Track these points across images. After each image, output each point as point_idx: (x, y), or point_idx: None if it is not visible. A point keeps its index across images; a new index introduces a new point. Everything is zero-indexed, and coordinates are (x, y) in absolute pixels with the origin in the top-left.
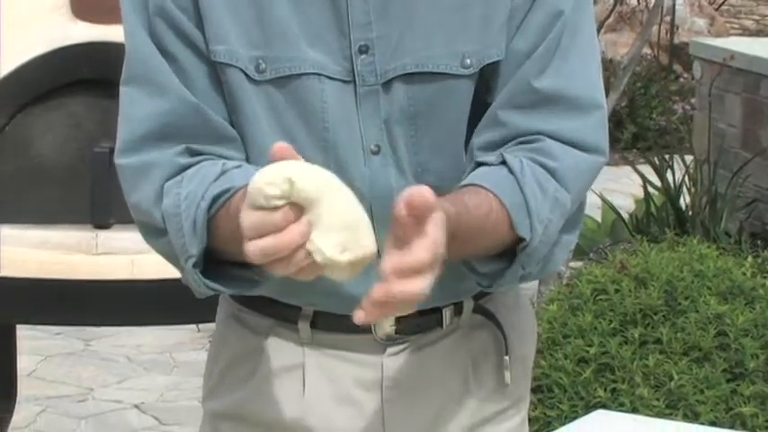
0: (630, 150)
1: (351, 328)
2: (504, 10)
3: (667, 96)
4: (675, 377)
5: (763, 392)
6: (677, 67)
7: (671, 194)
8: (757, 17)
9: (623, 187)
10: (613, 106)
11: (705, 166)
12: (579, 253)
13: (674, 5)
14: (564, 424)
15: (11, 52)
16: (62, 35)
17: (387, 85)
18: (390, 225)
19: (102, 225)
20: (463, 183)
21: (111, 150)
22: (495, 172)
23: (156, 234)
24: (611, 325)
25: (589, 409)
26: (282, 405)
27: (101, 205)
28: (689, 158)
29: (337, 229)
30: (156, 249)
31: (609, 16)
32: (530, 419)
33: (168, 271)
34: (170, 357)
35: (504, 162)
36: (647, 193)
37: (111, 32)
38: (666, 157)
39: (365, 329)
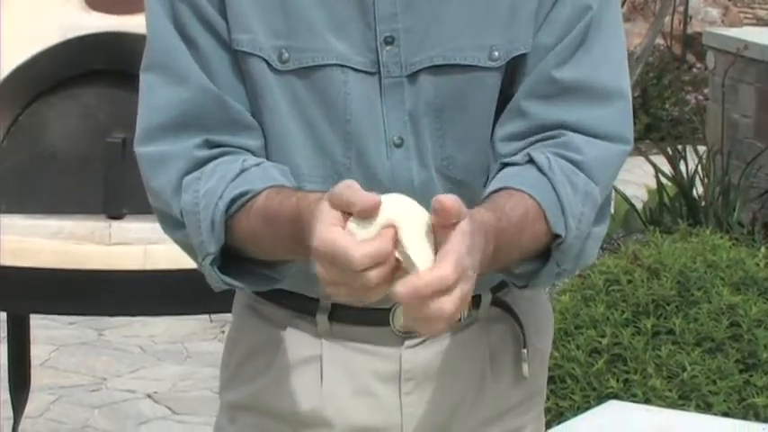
0: (643, 141)
1: (368, 320)
2: (532, 2)
3: (680, 87)
4: (688, 368)
5: None
6: (690, 58)
7: (684, 185)
8: None
9: (636, 178)
10: None
11: (718, 157)
12: None
13: None
14: (576, 414)
15: (24, 43)
16: (75, 25)
17: (412, 77)
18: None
19: (114, 215)
20: (494, 186)
21: (124, 141)
22: (524, 172)
23: (174, 225)
24: (624, 316)
25: (601, 399)
26: (300, 397)
27: (114, 195)
28: (702, 149)
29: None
30: (173, 240)
31: (622, 6)
32: None
33: (181, 261)
34: (183, 347)
35: (531, 161)
36: (659, 183)
37: (125, 23)
38: (679, 147)
39: (383, 322)
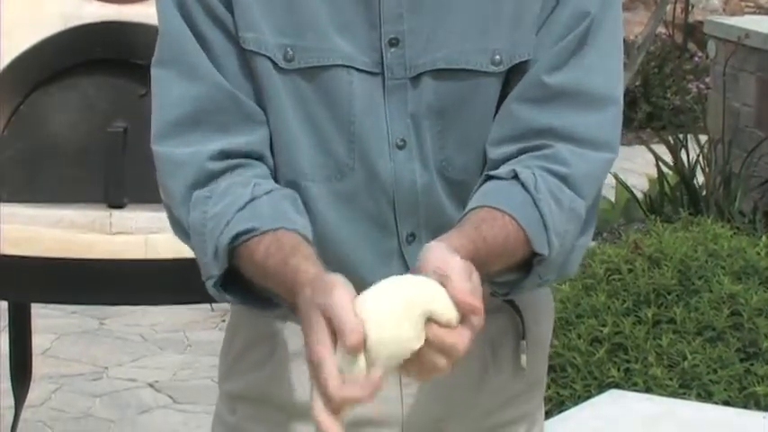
0: (644, 130)
1: None
2: (535, 8)
3: (682, 76)
4: (689, 357)
5: None
6: (692, 46)
7: (685, 174)
8: None
9: (637, 167)
10: (627, 86)
11: (719, 146)
12: (593, 233)
13: None
14: (577, 403)
15: (24, 31)
16: (76, 14)
17: (415, 79)
18: (410, 219)
19: (116, 204)
20: (477, 203)
21: (125, 130)
22: (508, 189)
23: (182, 232)
24: (625, 305)
25: (602, 388)
26: (299, 389)
27: (115, 184)
28: (703, 138)
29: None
30: (181, 240)
31: None
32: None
33: (182, 250)
34: (184, 336)
35: (516, 177)
36: (660, 172)
37: (125, 11)
38: (681, 136)
39: None
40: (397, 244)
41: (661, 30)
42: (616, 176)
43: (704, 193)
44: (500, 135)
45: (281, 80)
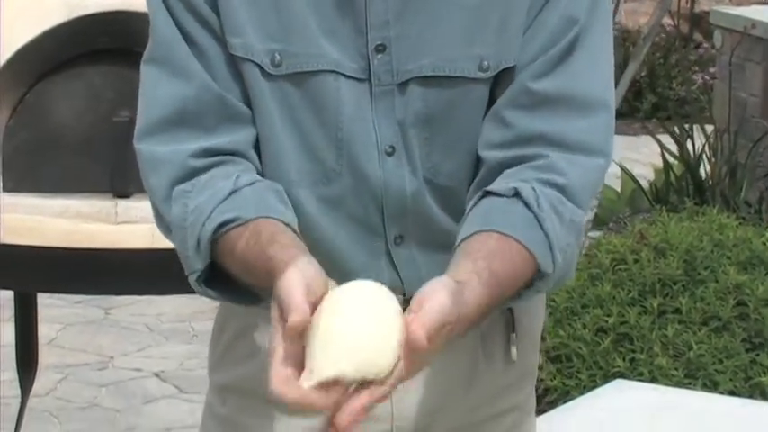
0: (650, 120)
1: None
2: (522, 14)
3: (687, 66)
4: (694, 347)
5: None
6: (697, 37)
7: (691, 164)
8: None
9: (643, 157)
10: (633, 76)
11: (725, 136)
12: (598, 223)
13: None
14: (583, 393)
15: (29, 22)
16: (80, 4)
17: (402, 86)
18: (398, 222)
19: (121, 194)
20: (481, 225)
21: (131, 120)
22: (511, 210)
23: (166, 229)
24: (630, 295)
25: (608, 378)
26: None
27: (120, 174)
28: (709, 128)
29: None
30: (166, 238)
31: None
32: (548, 389)
33: None
34: (189, 326)
35: (517, 194)
36: (666, 162)
37: (130, 1)
38: (686, 126)
39: None
40: (385, 245)
41: (667, 20)
42: (621, 166)
43: (710, 183)
44: (492, 140)
45: (268, 86)
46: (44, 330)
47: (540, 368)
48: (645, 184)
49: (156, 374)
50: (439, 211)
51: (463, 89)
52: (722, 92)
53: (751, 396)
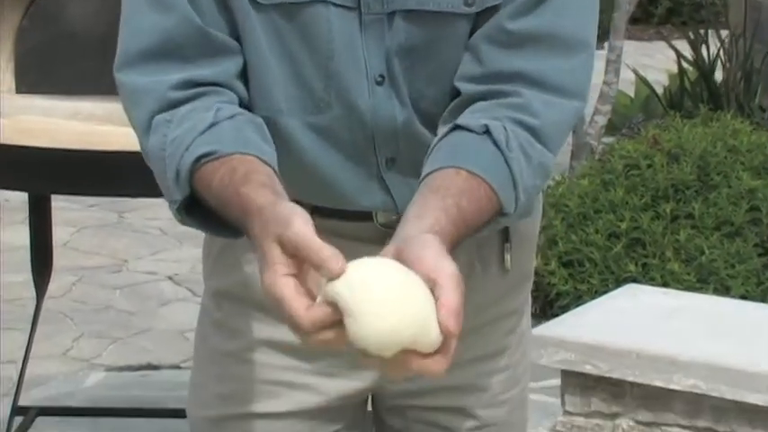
0: (665, 25)
1: (352, 216)
2: None
3: None
4: (706, 252)
5: None
6: None
7: (705, 69)
8: None
9: (657, 62)
10: None
11: (740, 41)
12: (612, 128)
13: None
14: (594, 298)
15: None
16: None
17: (390, 15)
18: (389, 148)
19: None
20: (449, 161)
21: None
22: (481, 148)
23: (146, 157)
24: (643, 200)
25: (620, 283)
26: None
27: None
28: (724, 33)
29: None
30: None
31: None
32: (560, 293)
33: None
34: None
35: (487, 131)
36: (681, 68)
37: None
38: (701, 31)
39: (366, 217)
40: (377, 168)
41: None
42: (636, 72)
43: (724, 88)
44: (470, 72)
45: (257, 16)
46: (58, 233)
47: (552, 273)
48: (659, 90)
49: (170, 277)
50: (427, 135)
51: (446, 23)
52: None
53: (763, 300)
